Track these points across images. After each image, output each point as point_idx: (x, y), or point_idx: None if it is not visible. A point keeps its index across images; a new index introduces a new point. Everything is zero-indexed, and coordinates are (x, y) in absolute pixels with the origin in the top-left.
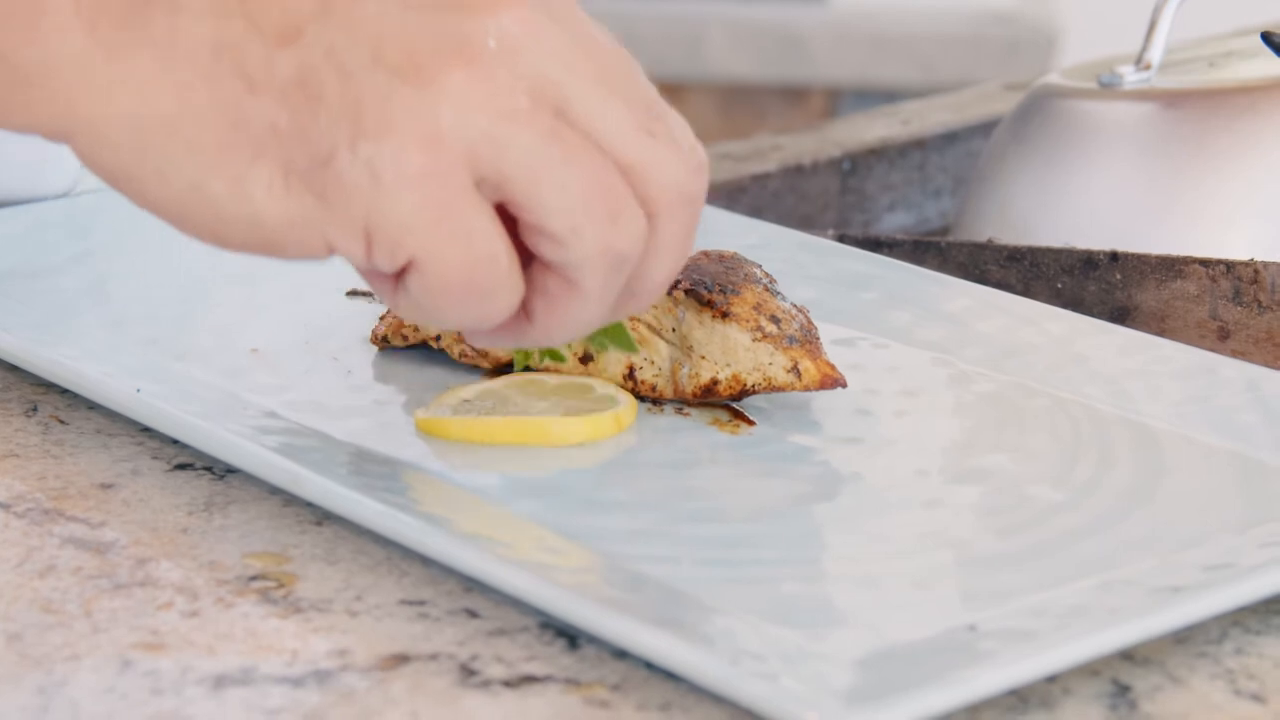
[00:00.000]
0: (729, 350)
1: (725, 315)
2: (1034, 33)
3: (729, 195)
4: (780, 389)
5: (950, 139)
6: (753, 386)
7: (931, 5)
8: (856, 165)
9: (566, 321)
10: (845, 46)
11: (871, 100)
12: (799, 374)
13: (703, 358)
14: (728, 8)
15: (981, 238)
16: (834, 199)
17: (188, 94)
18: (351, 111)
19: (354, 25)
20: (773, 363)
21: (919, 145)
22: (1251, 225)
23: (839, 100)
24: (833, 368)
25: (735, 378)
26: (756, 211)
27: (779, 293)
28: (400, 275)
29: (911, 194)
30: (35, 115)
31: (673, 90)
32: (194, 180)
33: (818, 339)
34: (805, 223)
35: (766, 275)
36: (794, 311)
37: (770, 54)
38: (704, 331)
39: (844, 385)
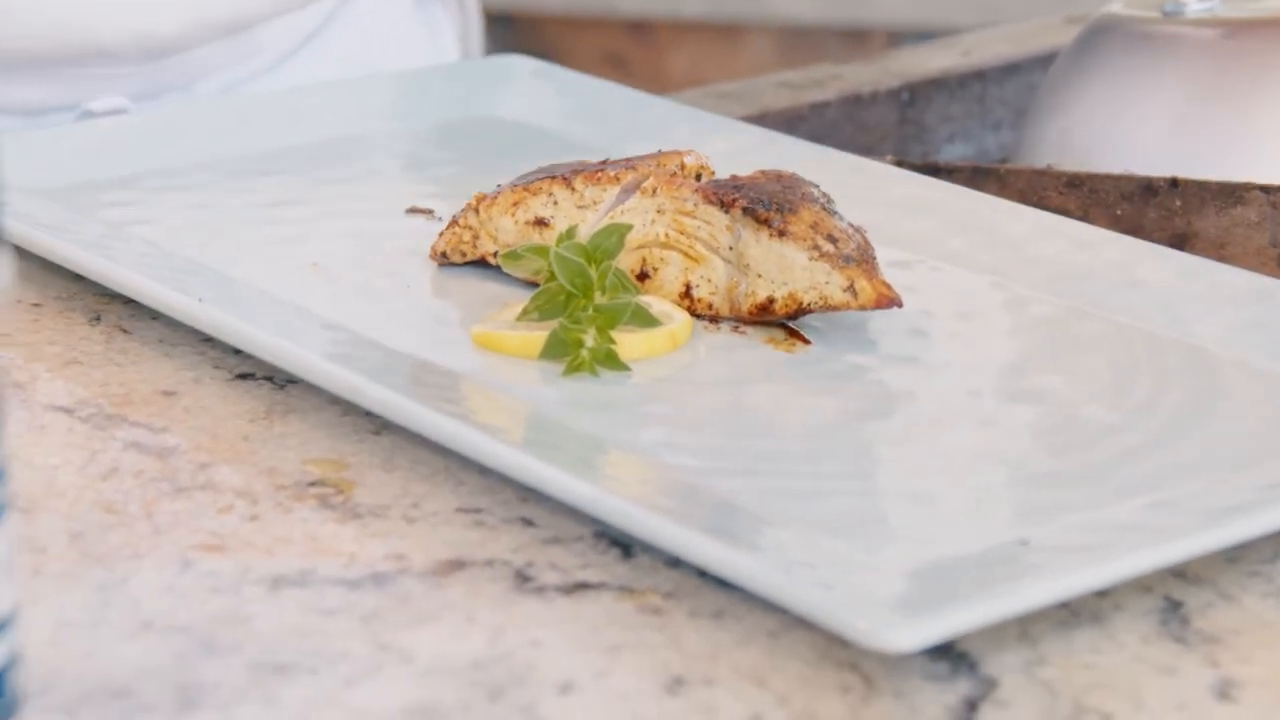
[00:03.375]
0: (785, 269)
1: (782, 234)
2: None
3: (787, 123)
4: (836, 308)
5: (1010, 70)
6: (808, 305)
7: None
8: (915, 96)
9: None
10: None
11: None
12: (855, 293)
13: (759, 276)
14: None
15: (1041, 164)
16: (892, 130)
17: None
18: None
19: None
20: (829, 281)
21: (979, 76)
22: None
23: (899, 41)
24: (889, 287)
25: (791, 296)
26: (815, 140)
27: (836, 212)
28: None
29: (971, 126)
30: None
31: (732, 32)
32: None
33: (874, 259)
34: (863, 152)
35: (824, 195)
36: (851, 231)
37: None
38: (760, 250)
39: (900, 305)
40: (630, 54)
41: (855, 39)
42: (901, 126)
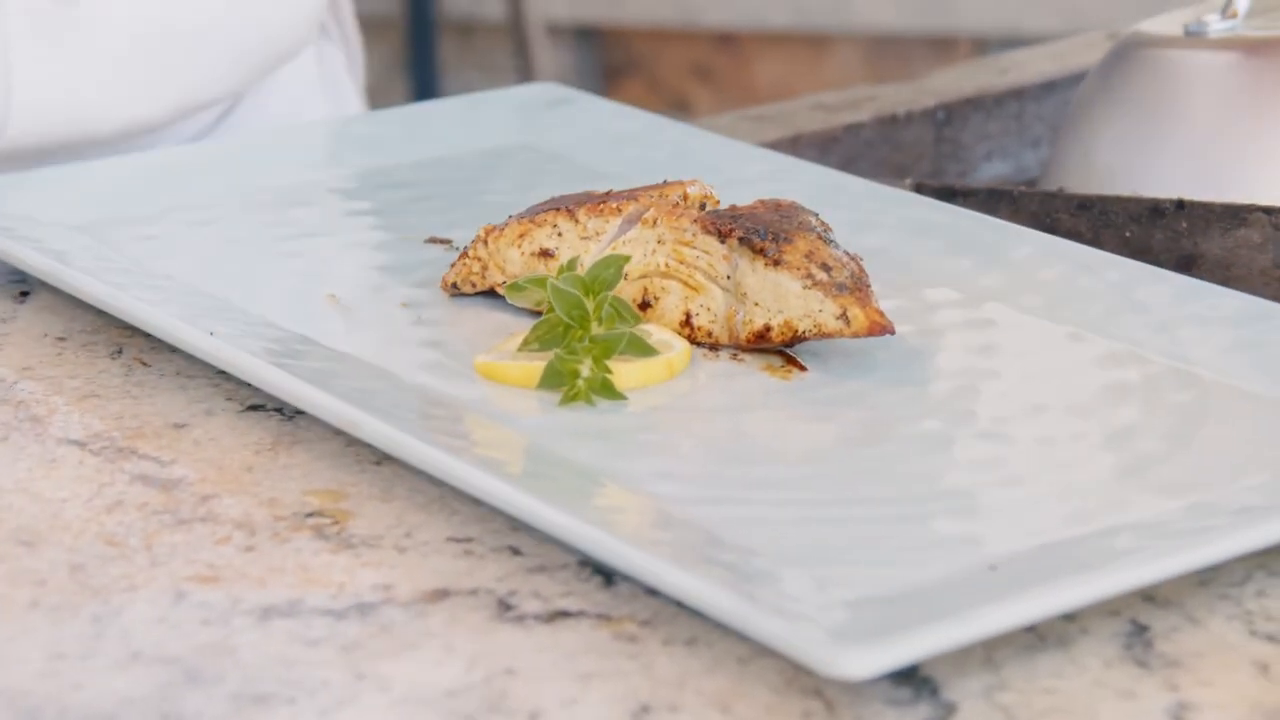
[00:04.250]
0: (781, 297)
1: (777, 263)
2: None
3: (822, 145)
4: (830, 335)
5: (1048, 88)
6: (803, 333)
7: None
8: (952, 115)
9: None
10: None
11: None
12: (848, 320)
13: (756, 304)
14: None
15: (1069, 186)
16: (929, 149)
17: None
18: None
19: None
20: (823, 309)
21: (1016, 95)
22: None
23: (986, 50)
24: (881, 314)
25: (787, 324)
26: (849, 162)
27: (832, 241)
28: None
29: (1009, 143)
30: None
31: (818, 42)
32: None
33: (868, 286)
34: (899, 173)
35: (821, 224)
36: (845, 259)
37: (917, 3)
38: (757, 279)
39: (891, 332)
40: (716, 65)
41: (941, 46)
42: (938, 145)
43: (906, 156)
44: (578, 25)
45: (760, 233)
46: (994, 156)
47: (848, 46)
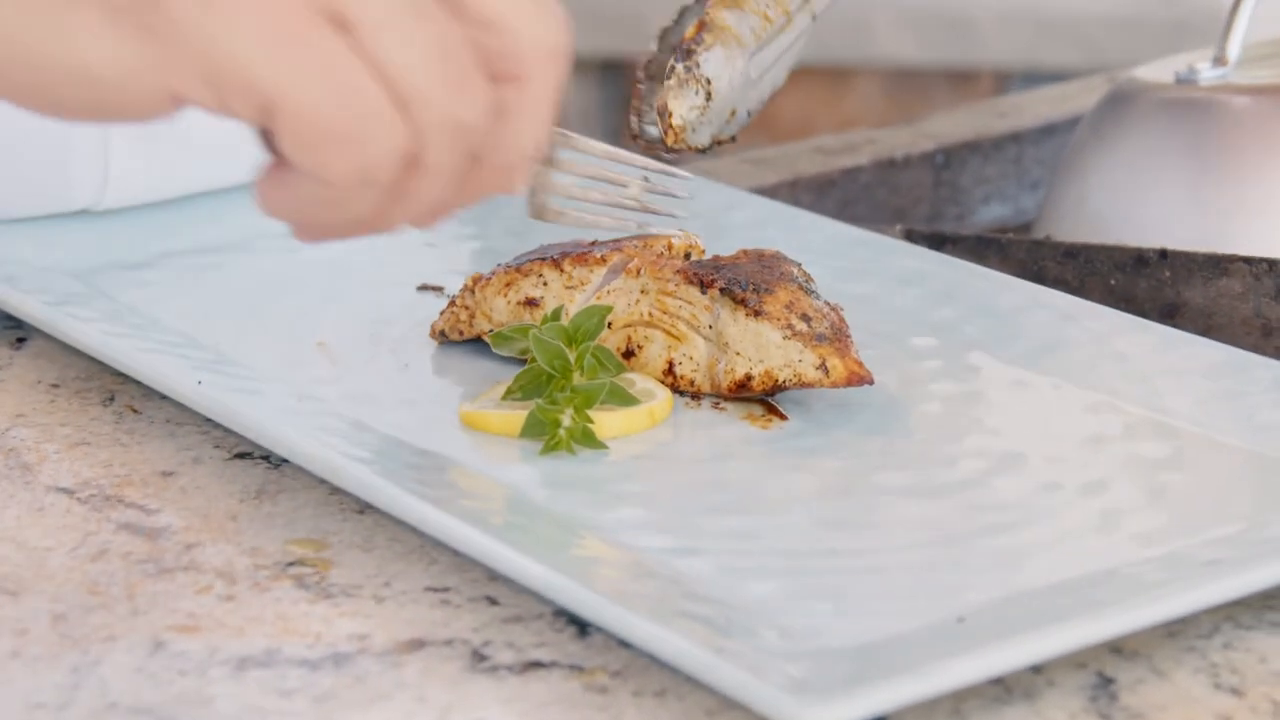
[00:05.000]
0: (761, 347)
1: (758, 313)
2: (1200, 14)
3: (819, 189)
4: (810, 385)
5: (1047, 131)
6: (784, 382)
7: None
8: (950, 158)
9: (418, 200)
10: (1011, 28)
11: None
12: (827, 370)
13: (738, 354)
14: None
15: (1061, 232)
16: (927, 192)
17: None
18: None
19: None
20: (802, 359)
21: (1015, 138)
22: None
23: (1007, 82)
24: (860, 365)
25: (767, 373)
26: (846, 205)
27: (813, 291)
28: (272, 137)
29: (1007, 187)
30: None
31: (839, 75)
32: (6, 30)
33: (848, 336)
34: (897, 216)
35: (803, 274)
36: (826, 310)
37: (937, 37)
38: (738, 329)
39: (870, 382)
40: None
41: (962, 81)
42: (936, 189)
43: (904, 200)
44: (602, 59)
45: (741, 283)
46: (992, 200)
47: (868, 80)
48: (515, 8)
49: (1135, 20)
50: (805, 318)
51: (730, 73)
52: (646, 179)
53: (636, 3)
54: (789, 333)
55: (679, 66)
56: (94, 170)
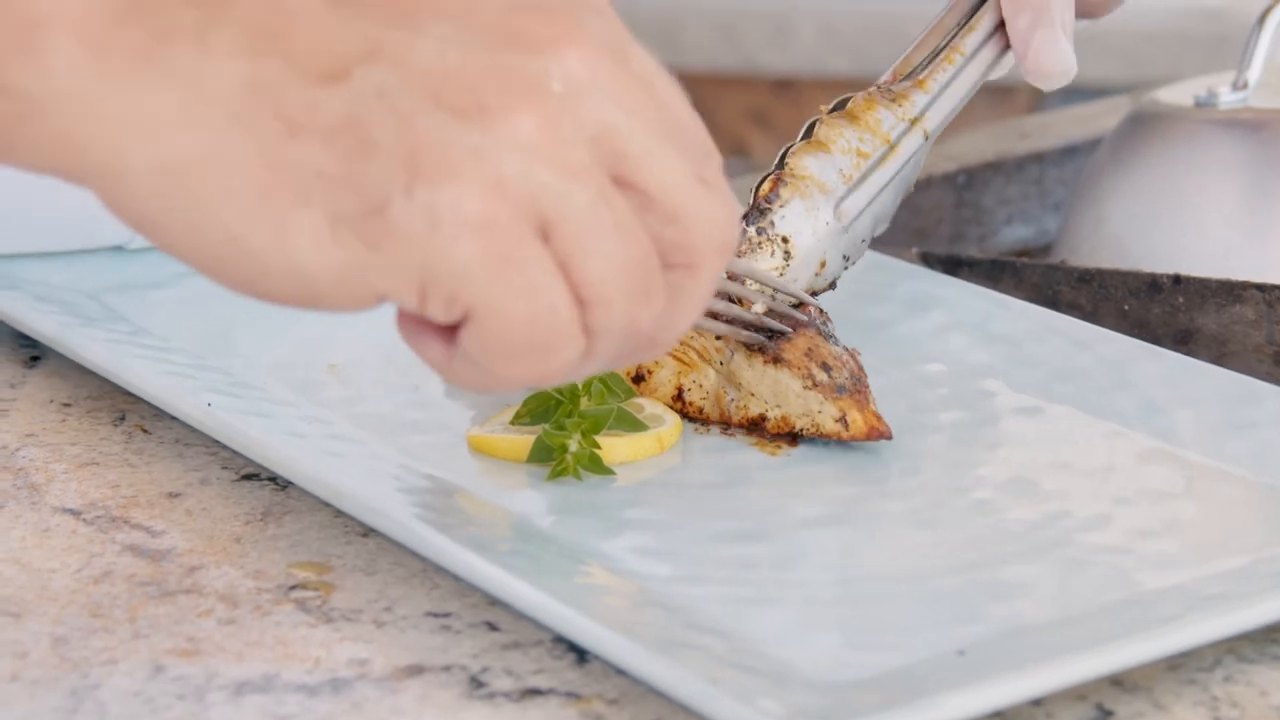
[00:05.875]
0: (779, 393)
1: (777, 360)
2: (1242, 29)
3: None
4: (827, 436)
5: (1069, 152)
6: (801, 430)
7: (1139, 1)
8: (972, 179)
9: (572, 375)
10: None
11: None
12: (846, 424)
13: (751, 394)
14: (930, 5)
15: (1079, 255)
16: (949, 213)
17: (218, 137)
18: (408, 155)
19: (409, 65)
20: (821, 411)
21: (1037, 159)
22: None
23: (1046, 97)
24: (879, 419)
25: (784, 419)
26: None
27: (831, 335)
28: (453, 331)
29: (1029, 208)
30: (43, 154)
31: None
32: (231, 230)
33: (867, 387)
34: (918, 236)
35: (820, 313)
36: (845, 357)
37: None
38: (754, 373)
39: (889, 437)
40: (774, 111)
41: (1000, 95)
42: (958, 210)
43: (926, 221)
44: None
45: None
46: (1014, 220)
47: None
48: (699, 204)
49: (1177, 35)
50: (825, 367)
51: (814, 224)
52: (773, 298)
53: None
54: (809, 383)
55: (750, 230)
56: None
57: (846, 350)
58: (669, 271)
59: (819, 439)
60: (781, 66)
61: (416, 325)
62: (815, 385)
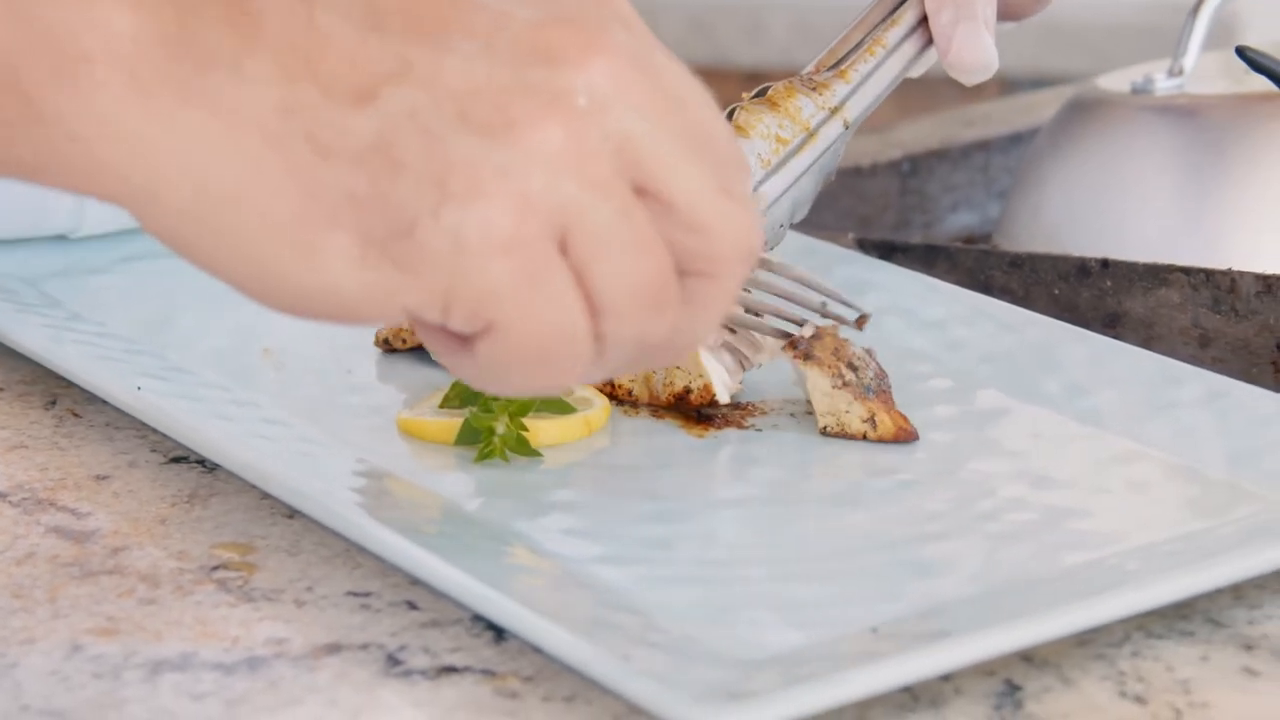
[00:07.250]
0: (698, 366)
1: (807, 358)
2: (1211, 22)
3: None
4: (851, 436)
5: (1015, 140)
6: (824, 429)
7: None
8: (917, 167)
9: (577, 380)
10: (1018, 35)
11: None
12: (874, 425)
13: (677, 368)
14: None
15: (1017, 241)
16: (894, 200)
17: (254, 162)
18: (438, 176)
19: (438, 84)
20: (849, 411)
21: (982, 147)
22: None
23: (1014, 89)
24: (906, 420)
25: (706, 388)
26: (814, 212)
27: (847, 339)
28: (470, 338)
29: (975, 195)
30: (85, 179)
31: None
32: (264, 252)
33: (889, 388)
34: (863, 223)
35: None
36: (867, 358)
37: None
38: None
39: (915, 439)
40: None
41: (971, 87)
42: (903, 197)
43: (871, 208)
44: None
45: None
46: (960, 208)
47: None
48: (722, 215)
49: (1144, 28)
50: (852, 366)
51: None
52: (824, 305)
53: None
54: (839, 383)
55: None
56: (73, 198)
57: (866, 350)
58: (689, 278)
59: (755, 422)
60: (753, 60)
61: (432, 327)
62: (845, 385)
